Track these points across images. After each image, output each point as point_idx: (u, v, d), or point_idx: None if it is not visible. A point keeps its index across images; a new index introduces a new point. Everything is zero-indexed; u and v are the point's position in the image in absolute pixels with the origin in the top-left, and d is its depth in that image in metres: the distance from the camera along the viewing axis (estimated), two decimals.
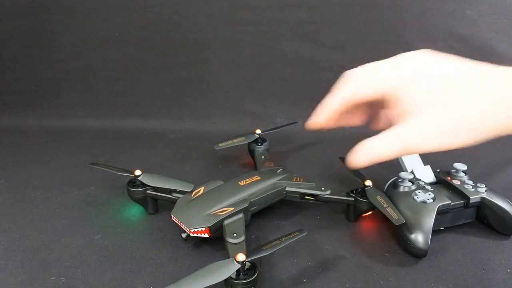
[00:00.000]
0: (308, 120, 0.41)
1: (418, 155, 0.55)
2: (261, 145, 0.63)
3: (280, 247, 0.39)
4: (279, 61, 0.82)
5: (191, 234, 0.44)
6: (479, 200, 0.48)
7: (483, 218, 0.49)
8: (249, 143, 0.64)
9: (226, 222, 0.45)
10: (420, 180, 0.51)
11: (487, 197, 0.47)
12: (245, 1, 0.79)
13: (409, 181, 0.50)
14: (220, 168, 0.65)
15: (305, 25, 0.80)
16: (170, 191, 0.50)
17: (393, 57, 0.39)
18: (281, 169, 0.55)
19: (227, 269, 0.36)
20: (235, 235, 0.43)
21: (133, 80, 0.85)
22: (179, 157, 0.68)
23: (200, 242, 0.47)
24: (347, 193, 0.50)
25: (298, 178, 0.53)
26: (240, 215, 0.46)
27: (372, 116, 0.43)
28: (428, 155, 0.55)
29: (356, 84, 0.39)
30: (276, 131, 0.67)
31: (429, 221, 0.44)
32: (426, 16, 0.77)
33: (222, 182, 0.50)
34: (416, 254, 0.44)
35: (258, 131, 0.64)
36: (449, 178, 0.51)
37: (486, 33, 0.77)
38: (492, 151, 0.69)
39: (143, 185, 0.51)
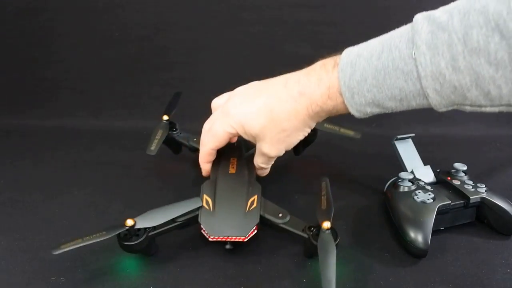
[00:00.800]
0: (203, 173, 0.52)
1: (418, 155, 0.55)
2: (176, 130, 0.61)
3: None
4: (279, 61, 0.82)
5: (245, 240, 0.43)
6: (479, 200, 0.48)
7: (483, 218, 0.49)
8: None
9: (261, 212, 0.45)
10: (420, 180, 0.51)
11: (487, 197, 0.47)
12: (245, 1, 0.79)
13: (409, 181, 0.50)
14: None
15: (305, 25, 0.80)
16: (173, 219, 0.44)
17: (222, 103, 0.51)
18: (235, 143, 0.56)
19: (331, 242, 0.39)
20: (280, 215, 0.45)
21: (133, 80, 0.85)
22: (179, 157, 0.68)
23: (199, 242, 0.47)
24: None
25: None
26: (261, 197, 0.47)
27: None
28: (428, 155, 0.56)
29: (209, 142, 0.50)
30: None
31: (429, 221, 0.44)
32: None
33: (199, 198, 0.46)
34: (416, 254, 0.44)
35: (166, 117, 0.60)
36: (449, 178, 0.51)
37: None
38: (492, 151, 0.69)
39: (143, 230, 0.42)
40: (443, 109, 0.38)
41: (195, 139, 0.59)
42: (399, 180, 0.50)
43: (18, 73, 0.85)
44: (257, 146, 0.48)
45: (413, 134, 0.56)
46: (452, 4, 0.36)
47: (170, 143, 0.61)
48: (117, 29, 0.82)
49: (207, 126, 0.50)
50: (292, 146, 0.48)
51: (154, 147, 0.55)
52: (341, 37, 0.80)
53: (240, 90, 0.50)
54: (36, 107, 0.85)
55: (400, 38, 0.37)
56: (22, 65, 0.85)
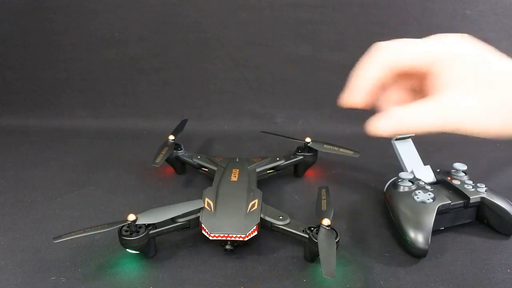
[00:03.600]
0: (342, 96, 0.35)
1: (418, 155, 0.55)
2: (181, 149, 0.62)
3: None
4: (279, 61, 0.82)
5: (246, 239, 0.43)
6: (479, 200, 0.48)
7: (483, 218, 0.49)
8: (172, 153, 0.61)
9: (262, 215, 0.45)
10: (420, 180, 0.51)
11: (487, 197, 0.47)
12: (245, 1, 0.79)
13: (409, 181, 0.50)
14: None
15: (305, 25, 0.80)
16: (172, 219, 0.45)
17: (429, 36, 0.36)
18: (237, 158, 0.58)
19: (331, 236, 0.41)
20: (281, 218, 0.45)
21: (133, 80, 0.85)
22: None
23: (199, 242, 0.47)
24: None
25: (257, 159, 0.58)
26: (262, 202, 0.47)
27: (411, 94, 0.38)
28: (428, 155, 0.56)
29: (399, 51, 0.34)
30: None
31: (429, 221, 0.44)
32: (426, 16, 0.77)
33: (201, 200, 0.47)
34: (416, 254, 0.44)
35: (172, 137, 0.61)
36: (449, 178, 0.51)
37: (486, 33, 0.77)
38: (492, 151, 0.69)
39: (144, 227, 0.43)
40: None
41: (198, 157, 0.61)
42: (399, 180, 0.50)
43: (18, 73, 0.85)
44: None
45: (413, 134, 0.56)
46: None
47: (175, 162, 0.62)
48: (117, 29, 0.82)
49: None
50: None
51: (159, 159, 0.57)
52: (341, 37, 0.80)
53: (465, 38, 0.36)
54: (36, 107, 0.85)
55: None
56: (22, 65, 0.85)
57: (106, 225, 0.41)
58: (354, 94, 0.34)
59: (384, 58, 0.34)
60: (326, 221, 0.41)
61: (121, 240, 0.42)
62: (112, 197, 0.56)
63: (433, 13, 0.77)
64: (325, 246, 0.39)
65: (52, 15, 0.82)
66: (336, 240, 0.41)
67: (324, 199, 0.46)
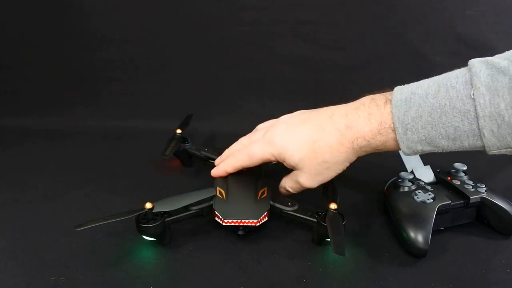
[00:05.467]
0: (212, 170, 0.53)
1: (418, 155, 0.55)
2: (188, 143, 0.63)
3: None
4: (279, 61, 0.82)
5: (257, 224, 0.45)
6: (479, 200, 0.48)
7: (483, 218, 0.49)
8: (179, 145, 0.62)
9: (271, 201, 0.47)
10: (420, 180, 0.51)
11: (487, 197, 0.47)
12: (245, 1, 0.79)
13: (409, 181, 0.50)
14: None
15: (305, 25, 0.80)
16: (186, 207, 0.47)
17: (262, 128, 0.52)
18: None
19: (340, 220, 0.44)
20: (289, 204, 0.47)
21: (133, 80, 0.85)
22: None
23: (199, 242, 0.47)
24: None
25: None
26: (271, 190, 0.49)
27: None
28: (428, 155, 0.55)
29: (241, 158, 0.50)
30: None
31: (429, 221, 0.44)
32: (426, 16, 0.77)
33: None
34: (416, 254, 0.44)
35: (179, 131, 0.64)
36: (449, 178, 0.51)
37: (486, 33, 0.77)
38: None
39: (160, 215, 0.45)
40: (495, 151, 0.39)
41: (206, 149, 0.62)
42: (399, 180, 0.50)
43: (18, 73, 0.85)
44: (293, 173, 0.48)
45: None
46: (508, 52, 0.38)
47: (182, 155, 0.63)
48: (117, 29, 0.82)
49: (245, 141, 0.52)
50: (328, 179, 0.48)
51: (168, 152, 0.58)
52: (341, 37, 0.80)
53: (285, 118, 0.52)
54: (36, 107, 0.85)
55: (457, 79, 0.39)
56: (22, 65, 0.85)
57: (125, 213, 0.43)
58: (214, 173, 0.53)
59: (233, 164, 0.51)
60: (333, 205, 0.44)
61: (138, 227, 0.44)
62: (112, 197, 0.56)
63: (433, 13, 0.77)
64: (334, 227, 0.42)
65: (52, 15, 0.82)
66: (343, 223, 0.43)
67: (329, 186, 0.49)
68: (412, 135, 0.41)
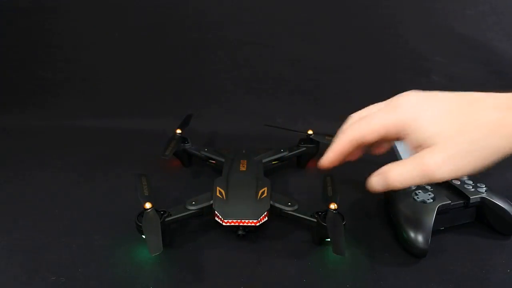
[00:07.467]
0: (320, 160, 0.45)
1: None
2: (188, 143, 0.63)
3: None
4: (279, 61, 0.82)
5: (257, 224, 0.45)
6: (479, 200, 0.48)
7: (483, 218, 0.49)
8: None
9: (271, 201, 0.47)
10: None
11: (487, 197, 0.47)
12: (245, 1, 0.79)
13: None
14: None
15: (305, 25, 0.80)
16: (186, 208, 0.47)
17: (388, 99, 0.41)
18: (244, 150, 0.60)
19: (340, 220, 0.43)
20: (289, 204, 0.47)
21: (133, 80, 0.85)
22: None
23: (199, 242, 0.47)
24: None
25: (262, 150, 0.60)
26: (271, 189, 0.49)
27: (374, 146, 0.46)
28: None
29: (362, 128, 0.41)
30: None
31: (429, 221, 0.44)
32: (426, 16, 0.77)
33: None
34: (416, 254, 0.44)
35: (179, 131, 0.63)
36: None
37: (486, 33, 0.77)
38: None
39: (160, 215, 0.45)
40: None
41: (206, 149, 0.62)
42: None
43: (18, 73, 0.85)
44: (418, 155, 0.36)
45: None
46: None
47: (182, 155, 0.64)
48: (117, 29, 0.82)
49: (365, 113, 0.43)
50: (475, 170, 0.35)
51: (168, 152, 0.58)
52: (341, 37, 0.80)
53: (413, 92, 0.40)
54: (36, 107, 0.85)
55: None
56: (22, 65, 0.85)
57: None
58: (325, 160, 0.44)
59: (348, 136, 0.42)
60: (333, 205, 0.44)
61: (138, 227, 0.44)
62: (112, 197, 0.56)
63: (433, 13, 0.77)
64: (334, 227, 0.42)
65: (52, 15, 0.82)
66: (343, 223, 0.43)
67: (329, 186, 0.48)
68: None
